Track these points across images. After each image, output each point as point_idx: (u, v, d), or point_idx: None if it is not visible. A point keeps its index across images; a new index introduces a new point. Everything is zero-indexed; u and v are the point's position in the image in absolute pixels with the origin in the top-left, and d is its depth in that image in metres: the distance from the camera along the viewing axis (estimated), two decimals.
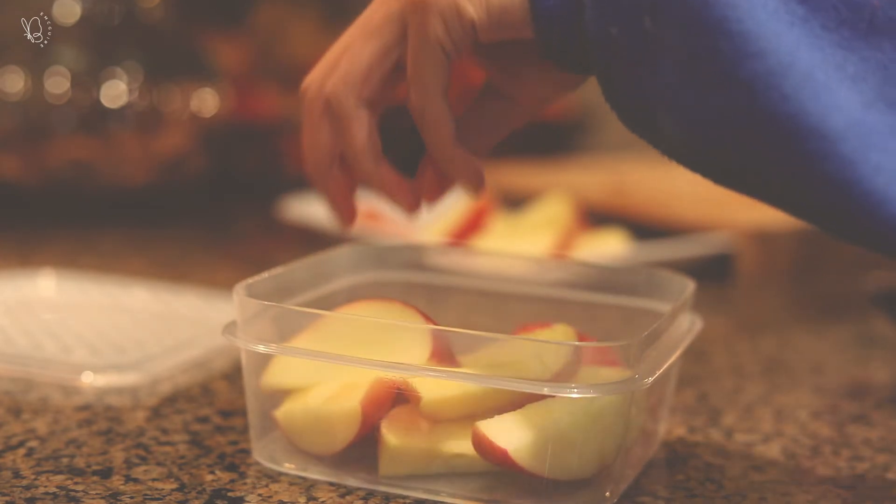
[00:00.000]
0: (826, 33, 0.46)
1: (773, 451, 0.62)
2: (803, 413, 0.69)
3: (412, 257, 0.68)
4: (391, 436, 0.53)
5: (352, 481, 0.54)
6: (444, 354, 0.53)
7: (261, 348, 0.54)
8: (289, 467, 0.56)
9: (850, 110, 0.45)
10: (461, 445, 0.52)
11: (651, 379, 0.51)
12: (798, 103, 0.45)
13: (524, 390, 0.51)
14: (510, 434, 0.51)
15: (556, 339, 0.55)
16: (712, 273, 1.02)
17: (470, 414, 0.52)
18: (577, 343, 0.53)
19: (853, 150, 0.45)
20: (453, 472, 0.53)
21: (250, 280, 0.57)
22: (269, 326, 0.55)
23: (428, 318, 0.55)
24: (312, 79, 0.57)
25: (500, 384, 0.51)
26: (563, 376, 0.51)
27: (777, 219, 1.07)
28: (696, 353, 0.79)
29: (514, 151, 1.29)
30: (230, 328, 0.56)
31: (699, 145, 0.48)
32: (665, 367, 0.54)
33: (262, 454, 0.57)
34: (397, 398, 0.53)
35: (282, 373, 0.56)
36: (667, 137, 0.49)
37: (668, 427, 0.64)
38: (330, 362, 0.53)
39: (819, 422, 0.67)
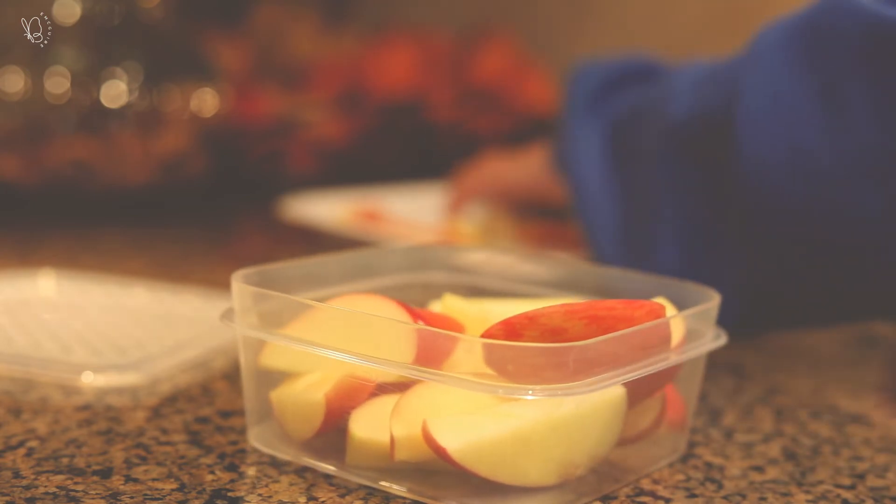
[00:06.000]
0: None
1: (773, 451, 0.62)
2: (803, 413, 0.69)
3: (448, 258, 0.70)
4: (356, 428, 0.54)
5: (320, 466, 0.56)
6: (431, 355, 0.52)
7: (251, 333, 0.56)
8: (279, 450, 0.57)
9: None
10: (415, 442, 0.52)
11: (598, 386, 0.49)
12: None
13: (479, 391, 0.50)
14: (456, 433, 0.50)
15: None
16: None
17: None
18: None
19: None
20: (416, 468, 0.53)
21: (248, 270, 0.59)
22: (266, 314, 0.57)
23: (416, 318, 0.55)
24: None
25: (458, 384, 0.50)
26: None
27: None
28: None
29: (512, 150, 1.28)
30: (228, 314, 0.58)
31: None
32: (636, 374, 0.51)
33: (258, 439, 0.59)
34: (377, 391, 0.53)
35: (276, 356, 0.58)
36: None
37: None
38: (315, 352, 0.54)
39: (819, 422, 0.67)
